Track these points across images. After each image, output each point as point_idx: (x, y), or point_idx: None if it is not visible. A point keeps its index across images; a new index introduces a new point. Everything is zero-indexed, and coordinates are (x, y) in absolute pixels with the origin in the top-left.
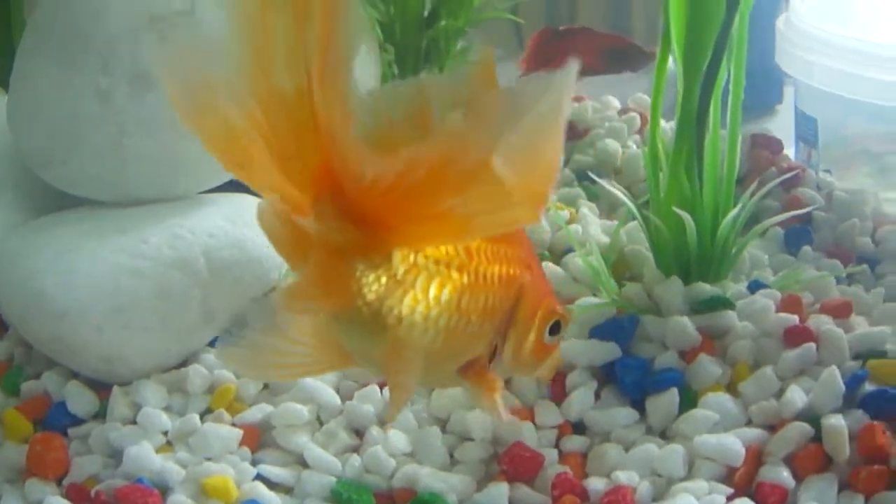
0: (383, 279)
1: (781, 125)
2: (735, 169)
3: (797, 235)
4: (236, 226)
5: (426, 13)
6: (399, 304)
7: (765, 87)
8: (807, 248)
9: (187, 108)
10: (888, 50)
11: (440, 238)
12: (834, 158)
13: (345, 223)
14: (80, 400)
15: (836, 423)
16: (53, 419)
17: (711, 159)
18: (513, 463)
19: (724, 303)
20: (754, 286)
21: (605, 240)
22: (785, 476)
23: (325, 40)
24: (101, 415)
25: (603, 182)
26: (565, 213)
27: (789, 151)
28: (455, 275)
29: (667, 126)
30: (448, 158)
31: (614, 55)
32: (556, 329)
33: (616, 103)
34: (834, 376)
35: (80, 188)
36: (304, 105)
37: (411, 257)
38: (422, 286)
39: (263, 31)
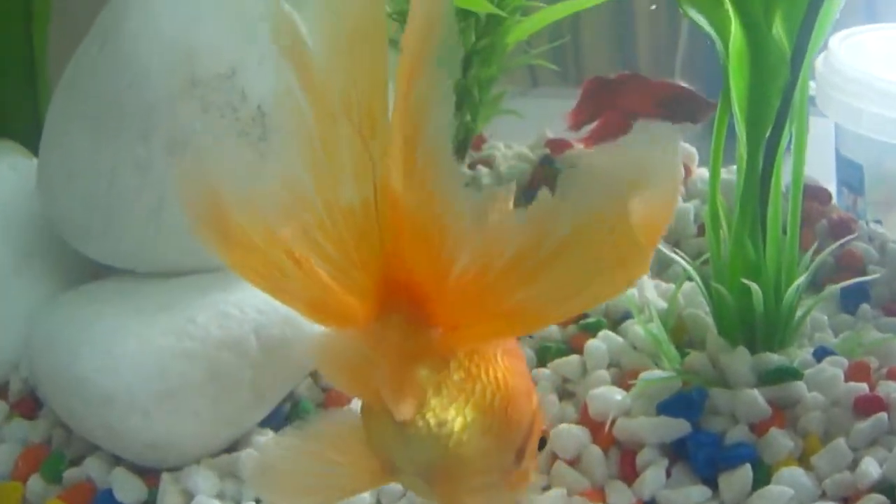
0: (446, 387)
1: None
2: (798, 232)
3: (854, 294)
4: None
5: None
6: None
7: None
8: (865, 307)
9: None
10: None
11: (506, 333)
12: (875, 200)
13: (414, 328)
14: (127, 487)
15: None
16: None
17: (773, 223)
18: None
19: (792, 373)
20: (820, 353)
21: (662, 304)
22: None
23: (405, 148)
24: (149, 502)
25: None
26: None
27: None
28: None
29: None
30: (539, 233)
31: (673, 104)
32: (542, 444)
33: None
34: None
35: (118, 260)
36: (369, 216)
37: (465, 367)
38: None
39: (324, 149)
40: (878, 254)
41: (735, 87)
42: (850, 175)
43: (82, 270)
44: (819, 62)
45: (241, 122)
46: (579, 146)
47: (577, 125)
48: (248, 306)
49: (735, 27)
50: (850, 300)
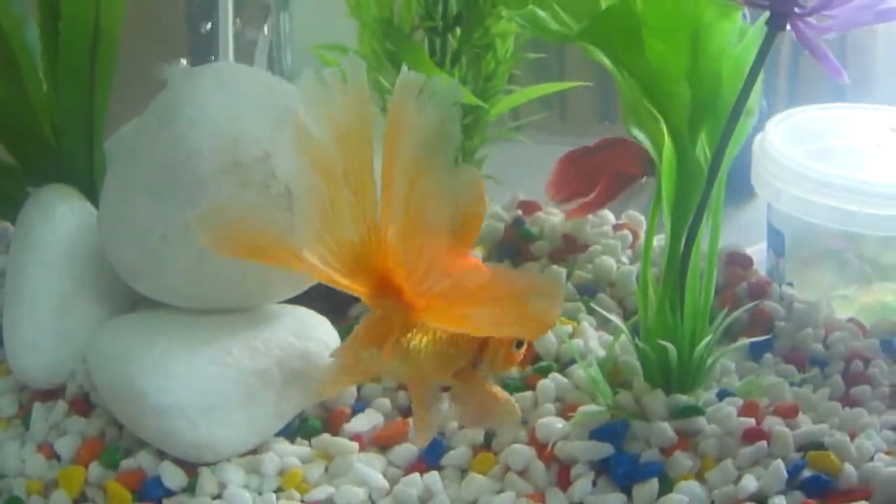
0: (410, 333)
1: (758, 210)
2: (709, 302)
3: (761, 345)
4: (301, 340)
5: None
6: (416, 343)
7: (742, 177)
8: (768, 356)
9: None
10: (843, 180)
11: (453, 325)
12: (800, 258)
13: (394, 303)
14: (172, 476)
15: (780, 502)
16: (150, 490)
17: (691, 294)
18: None
19: (696, 411)
20: (722, 394)
21: (602, 352)
22: None
23: (408, 209)
24: (189, 489)
25: (600, 297)
26: (569, 327)
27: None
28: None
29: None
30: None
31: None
32: (520, 343)
33: (611, 218)
34: (779, 467)
35: (165, 298)
36: (367, 245)
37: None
38: (428, 335)
39: (331, 204)
40: (785, 312)
41: (665, 188)
42: (776, 241)
43: (126, 298)
44: (755, 143)
45: (273, 197)
46: (567, 215)
47: (560, 198)
48: (272, 343)
49: (667, 142)
50: (757, 351)
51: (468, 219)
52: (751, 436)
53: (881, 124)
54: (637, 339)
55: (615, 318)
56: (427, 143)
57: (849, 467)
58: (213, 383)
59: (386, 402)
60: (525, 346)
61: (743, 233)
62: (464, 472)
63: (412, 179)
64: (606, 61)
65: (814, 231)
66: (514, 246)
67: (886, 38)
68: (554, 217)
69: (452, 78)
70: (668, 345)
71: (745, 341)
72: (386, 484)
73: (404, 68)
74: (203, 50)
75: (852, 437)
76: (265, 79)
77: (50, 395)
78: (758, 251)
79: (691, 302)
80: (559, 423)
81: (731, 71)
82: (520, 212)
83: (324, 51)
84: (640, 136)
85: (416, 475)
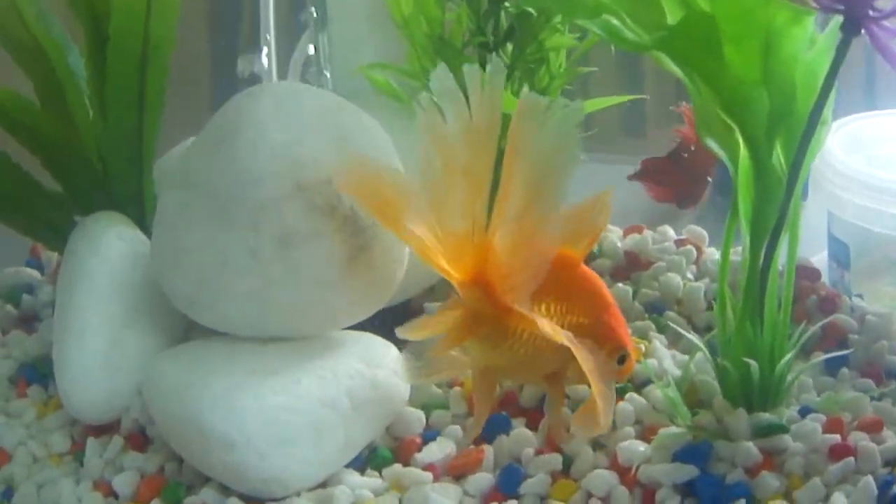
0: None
1: (810, 219)
2: (789, 316)
3: (836, 360)
4: (370, 367)
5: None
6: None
7: None
8: (844, 370)
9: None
10: None
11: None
12: (864, 270)
13: (483, 297)
14: None
15: None
16: None
17: (770, 309)
18: None
19: (780, 429)
20: (804, 411)
21: (677, 371)
22: None
23: (525, 219)
24: None
25: (668, 314)
26: (641, 346)
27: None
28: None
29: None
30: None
31: None
32: (622, 360)
33: (671, 233)
34: (869, 483)
35: (225, 327)
36: (469, 240)
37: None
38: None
39: (446, 192)
40: (857, 325)
41: (742, 200)
42: (839, 252)
43: (179, 327)
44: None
45: (337, 220)
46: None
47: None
48: (341, 372)
49: (742, 152)
50: (833, 365)
51: (588, 234)
52: (837, 452)
53: None
54: (716, 357)
55: (692, 336)
56: (548, 161)
57: None
58: (282, 415)
59: (457, 430)
60: (628, 363)
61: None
62: (543, 499)
63: (531, 196)
64: (678, 71)
65: (877, 241)
66: None
67: None
68: (613, 234)
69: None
70: (751, 361)
71: (823, 356)
72: None
73: (525, 90)
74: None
75: None
76: (327, 99)
77: (103, 429)
78: (818, 262)
79: (770, 317)
80: (641, 447)
81: (805, 78)
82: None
83: (367, 70)
84: (714, 147)
85: None
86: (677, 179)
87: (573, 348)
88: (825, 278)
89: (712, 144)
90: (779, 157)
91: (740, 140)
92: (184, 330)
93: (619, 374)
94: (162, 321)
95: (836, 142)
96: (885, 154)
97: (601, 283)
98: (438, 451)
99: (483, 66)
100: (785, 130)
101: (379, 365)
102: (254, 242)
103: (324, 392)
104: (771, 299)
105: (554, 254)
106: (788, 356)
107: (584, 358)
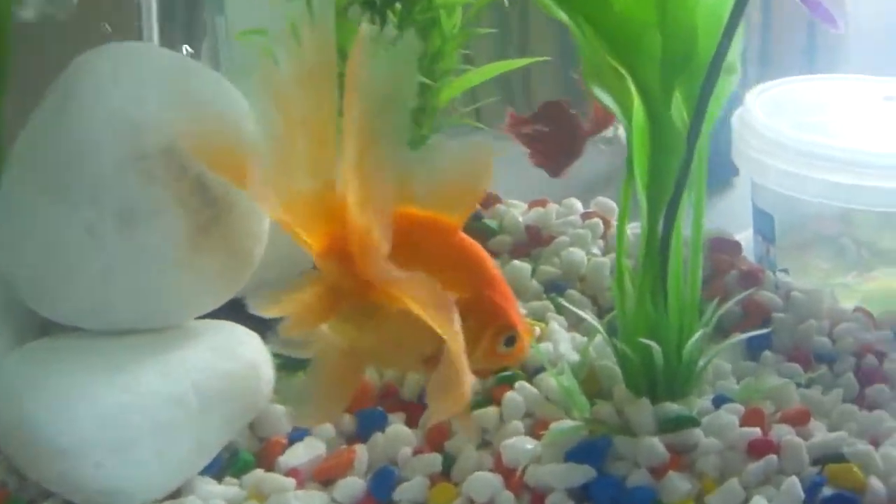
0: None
1: (739, 198)
2: (698, 292)
3: (758, 341)
4: (223, 359)
5: None
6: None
7: (719, 160)
8: (767, 353)
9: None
10: (838, 151)
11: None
12: (791, 244)
13: (345, 271)
14: None
15: None
16: None
17: (676, 284)
18: None
19: (690, 421)
20: (718, 401)
21: (576, 356)
22: None
23: (362, 166)
24: None
25: (570, 293)
26: (536, 329)
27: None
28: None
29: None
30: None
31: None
32: (510, 342)
33: (579, 206)
34: (794, 485)
35: (69, 318)
36: (324, 201)
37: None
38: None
39: (290, 149)
40: (782, 302)
41: (637, 159)
42: (764, 225)
43: (34, 324)
44: (735, 118)
45: (183, 191)
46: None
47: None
48: (188, 365)
49: (636, 104)
50: (754, 348)
51: (466, 198)
52: (757, 449)
53: (871, 94)
54: (615, 340)
55: (589, 316)
56: (381, 102)
57: (875, 482)
58: (120, 416)
59: (328, 429)
60: (518, 345)
61: (725, 221)
62: None
63: (365, 141)
64: (564, 17)
65: (806, 211)
66: None
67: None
68: (516, 209)
69: None
70: (652, 344)
71: (741, 336)
72: None
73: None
74: None
75: (875, 445)
76: (174, 60)
77: None
78: (743, 239)
79: (676, 293)
80: (529, 444)
81: (707, 21)
82: (478, 205)
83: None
84: (606, 99)
85: None
86: (546, 144)
87: (430, 313)
88: (751, 255)
89: (603, 96)
90: (680, 109)
91: (633, 90)
92: (40, 328)
93: (508, 358)
94: (12, 317)
95: (760, 106)
96: (814, 121)
97: (485, 255)
98: (304, 453)
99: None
100: (685, 80)
101: (234, 356)
102: (92, 219)
103: (168, 388)
104: (676, 272)
105: (392, 209)
106: (696, 336)
107: (444, 322)
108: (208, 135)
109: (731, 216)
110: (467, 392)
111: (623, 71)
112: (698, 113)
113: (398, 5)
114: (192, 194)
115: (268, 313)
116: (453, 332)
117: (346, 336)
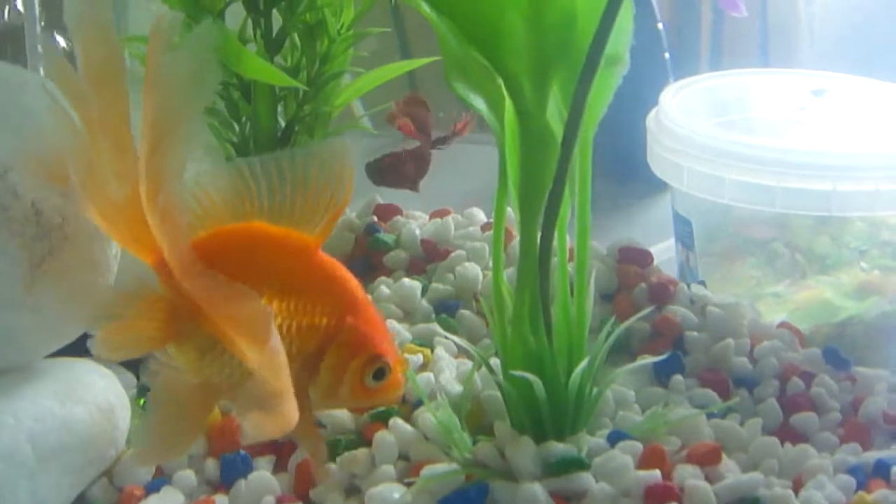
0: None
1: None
2: (586, 312)
3: (667, 365)
4: (65, 405)
5: (279, 131)
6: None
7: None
8: (678, 377)
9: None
10: (758, 150)
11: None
12: (718, 252)
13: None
14: None
15: None
16: None
17: (562, 298)
18: None
19: (577, 464)
20: (613, 437)
21: (458, 388)
22: None
23: (150, 165)
24: None
25: (462, 314)
26: (418, 357)
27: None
28: None
29: None
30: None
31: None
32: (379, 374)
33: (481, 216)
34: None
35: None
36: (135, 208)
37: None
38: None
39: (94, 155)
40: (697, 318)
41: (510, 164)
42: (683, 231)
43: None
44: (649, 118)
45: (14, 222)
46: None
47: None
48: (24, 414)
49: (507, 104)
50: (663, 372)
51: (323, 212)
52: (656, 496)
53: (797, 88)
54: (497, 371)
55: (466, 344)
56: (179, 94)
57: None
58: None
59: (189, 476)
60: (388, 378)
61: (653, 233)
62: None
63: (158, 135)
64: (427, 9)
65: (727, 216)
66: (366, 258)
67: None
68: (415, 221)
69: (276, 65)
70: (530, 376)
71: (638, 363)
72: None
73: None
74: None
75: (797, 486)
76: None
77: None
78: (666, 248)
79: (563, 315)
80: (396, 493)
81: (588, 10)
82: (375, 217)
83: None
84: (473, 100)
85: None
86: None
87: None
88: (673, 268)
89: (469, 96)
90: (559, 108)
91: (503, 88)
92: None
93: (380, 394)
94: None
95: (676, 105)
96: (736, 119)
97: (348, 276)
98: None
99: (255, 33)
100: (562, 75)
101: (79, 400)
102: None
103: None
104: (563, 292)
105: (185, 210)
106: (581, 365)
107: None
108: (47, 151)
109: (663, 222)
110: (288, 414)
111: (490, 67)
112: (574, 109)
113: (283, 5)
114: (27, 224)
115: (115, 356)
116: (267, 350)
117: (188, 364)
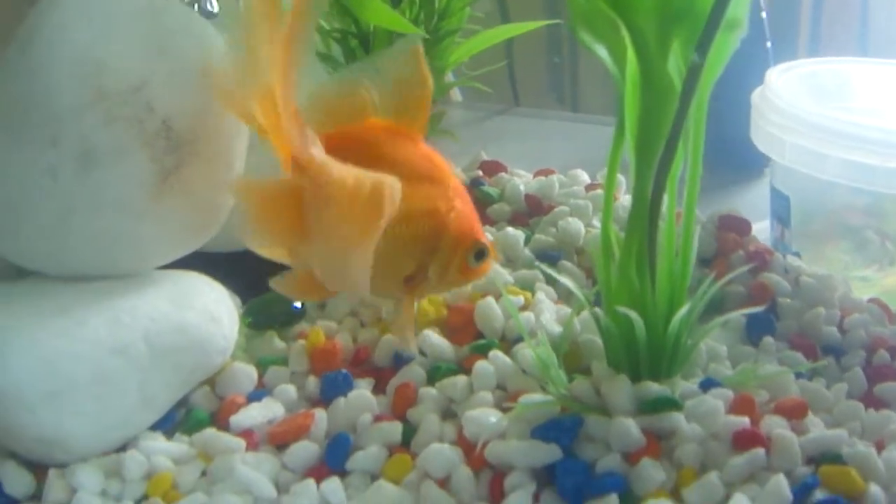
0: None
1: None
2: (689, 263)
3: (759, 325)
4: (180, 309)
5: None
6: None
7: (750, 152)
8: (769, 339)
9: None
10: (862, 129)
11: None
12: (812, 233)
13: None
14: (16, 481)
15: None
16: None
17: (667, 252)
18: None
19: (670, 403)
20: (706, 384)
21: (557, 329)
22: None
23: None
24: (37, 496)
25: (563, 265)
26: (520, 298)
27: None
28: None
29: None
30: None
31: None
32: (480, 255)
33: (585, 177)
34: (781, 484)
35: (29, 261)
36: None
37: None
38: None
39: (253, 48)
40: (790, 286)
41: (628, 113)
42: (780, 206)
43: (14, 272)
44: (755, 95)
45: (147, 134)
46: None
47: None
48: (140, 313)
49: (630, 56)
50: (755, 332)
51: (413, 104)
52: (744, 440)
53: None
54: (599, 311)
55: (574, 287)
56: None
57: (875, 489)
58: (59, 362)
59: (290, 390)
60: (487, 259)
61: (750, 210)
62: (374, 477)
63: (296, 31)
64: None
65: (824, 197)
66: None
67: None
68: (519, 178)
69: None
70: (633, 315)
71: (736, 313)
72: (273, 492)
73: None
74: None
75: (879, 448)
76: None
77: None
78: (762, 229)
79: (667, 264)
80: (492, 417)
81: None
82: (480, 172)
83: None
84: (597, 50)
85: (311, 482)
86: None
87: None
88: (768, 241)
89: (593, 45)
90: (679, 64)
91: (627, 40)
92: (14, 271)
93: (477, 273)
94: None
95: (782, 84)
96: (839, 101)
97: (447, 167)
98: (259, 414)
99: None
100: (684, 32)
101: (191, 306)
102: (53, 159)
103: (115, 336)
104: (669, 244)
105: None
106: (682, 311)
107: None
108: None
109: (758, 206)
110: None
111: (616, 19)
112: (695, 66)
113: None
114: (156, 139)
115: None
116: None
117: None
